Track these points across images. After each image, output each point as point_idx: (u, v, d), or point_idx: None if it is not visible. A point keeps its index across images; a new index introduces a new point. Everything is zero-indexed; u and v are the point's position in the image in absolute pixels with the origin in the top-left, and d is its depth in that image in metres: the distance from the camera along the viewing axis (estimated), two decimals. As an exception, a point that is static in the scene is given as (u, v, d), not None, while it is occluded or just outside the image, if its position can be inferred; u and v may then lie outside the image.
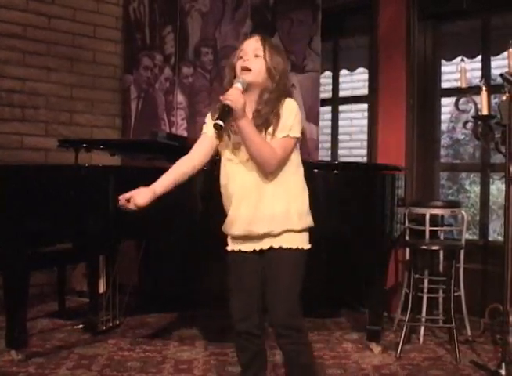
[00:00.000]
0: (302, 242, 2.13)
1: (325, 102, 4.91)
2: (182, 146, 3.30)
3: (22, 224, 3.04)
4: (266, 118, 2.06)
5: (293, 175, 2.14)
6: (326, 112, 5.21)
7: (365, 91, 4.84)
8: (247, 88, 2.09)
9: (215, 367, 3.11)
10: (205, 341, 3.54)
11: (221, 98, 2.01)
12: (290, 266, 2.11)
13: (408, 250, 3.80)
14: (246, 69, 2.10)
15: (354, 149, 6.06)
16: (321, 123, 4.69)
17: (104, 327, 3.68)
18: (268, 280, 2.14)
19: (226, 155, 2.17)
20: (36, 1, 4.57)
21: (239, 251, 2.17)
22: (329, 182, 3.24)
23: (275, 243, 2.10)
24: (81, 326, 3.74)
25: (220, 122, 1.98)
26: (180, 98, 4.85)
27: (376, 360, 3.25)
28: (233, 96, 1.99)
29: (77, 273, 4.59)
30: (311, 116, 4.44)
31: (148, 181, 3.12)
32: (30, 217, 3.04)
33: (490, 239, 4.31)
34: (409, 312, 3.47)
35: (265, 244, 2.12)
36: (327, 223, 3.18)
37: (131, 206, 2.11)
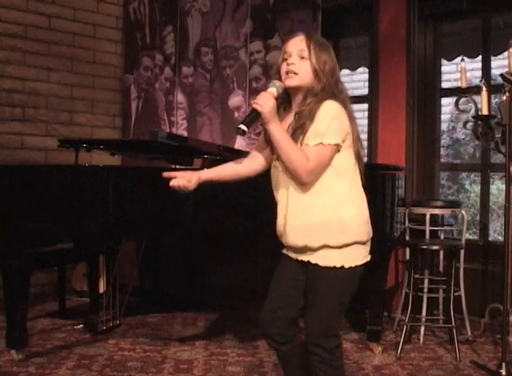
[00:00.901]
0: (343, 259, 1.95)
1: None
2: (182, 146, 3.31)
3: (22, 224, 3.04)
4: (303, 121, 1.92)
5: (335, 182, 1.96)
6: (326, 112, 5.20)
7: (365, 91, 4.84)
8: (294, 92, 2.02)
9: (215, 367, 3.11)
10: (205, 341, 3.54)
11: (251, 102, 1.94)
12: (325, 286, 1.97)
13: (408, 250, 3.80)
14: (293, 73, 1.98)
15: (354, 149, 6.05)
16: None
17: (104, 327, 3.68)
18: (306, 294, 2.05)
19: (273, 162, 2.08)
20: (36, 1, 4.57)
21: (287, 255, 2.10)
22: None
23: (313, 258, 1.97)
24: (81, 326, 3.74)
25: (243, 126, 1.91)
26: (180, 98, 4.86)
27: (377, 360, 3.25)
28: (262, 100, 1.91)
29: (77, 273, 4.60)
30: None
31: (148, 181, 3.14)
32: (31, 217, 3.04)
33: (490, 239, 4.31)
34: (409, 312, 3.47)
35: (304, 257, 2.01)
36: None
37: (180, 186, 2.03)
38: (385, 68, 4.32)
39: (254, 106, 1.92)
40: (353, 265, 1.98)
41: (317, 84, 1.97)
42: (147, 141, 3.47)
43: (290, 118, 2.03)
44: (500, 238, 4.81)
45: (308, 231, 1.95)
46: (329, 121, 1.91)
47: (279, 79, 2.02)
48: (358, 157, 2.03)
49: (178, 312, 4.18)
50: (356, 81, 5.90)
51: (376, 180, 3.36)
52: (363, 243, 2.02)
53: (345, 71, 5.16)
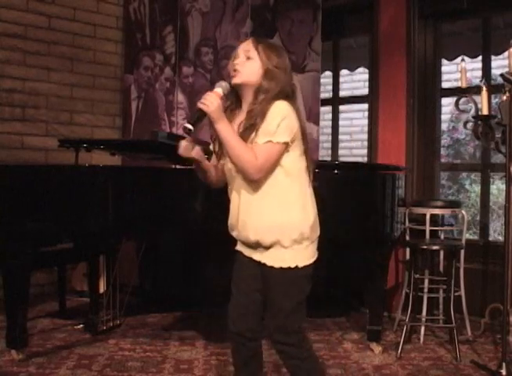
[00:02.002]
0: (295, 259, 1.99)
1: (325, 102, 4.91)
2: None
3: (22, 224, 3.04)
4: (254, 119, 1.95)
5: (285, 183, 2.00)
6: (326, 112, 5.21)
7: (365, 91, 4.84)
8: (242, 91, 2.05)
9: (216, 367, 3.11)
10: (205, 341, 3.54)
11: (197, 103, 1.97)
12: (280, 286, 2.01)
13: (408, 250, 3.80)
14: (235, 71, 2.03)
15: (354, 149, 6.06)
16: (321, 123, 4.70)
17: (104, 327, 3.68)
18: (264, 292, 2.09)
19: (226, 162, 2.10)
20: (36, 1, 4.57)
21: (242, 252, 2.13)
22: (329, 182, 3.23)
23: (266, 259, 2.01)
24: (81, 326, 3.74)
25: (188, 125, 1.94)
26: (180, 98, 4.86)
27: (377, 360, 3.25)
28: (208, 100, 1.95)
29: (77, 273, 4.59)
30: (312, 116, 4.44)
31: (148, 181, 3.14)
32: (31, 217, 3.04)
33: (490, 239, 4.32)
34: (409, 312, 3.47)
35: (258, 257, 2.04)
36: (328, 223, 3.18)
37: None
38: (385, 68, 4.32)
39: (200, 105, 1.95)
40: (306, 264, 2.02)
41: (267, 83, 2.00)
42: (147, 141, 3.47)
43: (241, 117, 2.06)
44: (500, 238, 4.81)
45: (260, 230, 2.00)
46: (279, 120, 1.94)
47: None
48: (307, 157, 2.07)
49: (178, 312, 4.18)
50: (356, 81, 5.91)
51: (376, 180, 3.36)
52: (312, 241, 2.06)
53: (345, 71, 5.16)
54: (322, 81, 4.65)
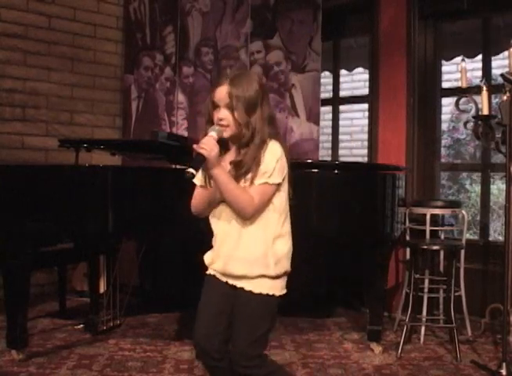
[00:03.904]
0: (275, 288, 2.07)
1: (325, 102, 4.91)
2: (182, 146, 3.31)
3: (22, 224, 3.04)
4: (247, 168, 2.00)
5: (274, 218, 2.07)
6: (326, 112, 5.21)
7: (365, 91, 4.84)
8: (227, 140, 2.06)
9: (216, 367, 3.10)
10: (205, 341, 3.54)
11: (194, 146, 1.96)
12: (255, 311, 2.07)
13: (408, 250, 3.80)
14: (224, 126, 2.03)
15: (354, 149, 6.06)
16: (321, 123, 4.69)
17: (105, 327, 3.68)
18: (234, 317, 2.11)
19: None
20: (36, 1, 4.58)
21: (215, 277, 2.15)
22: (329, 182, 3.23)
23: (248, 285, 2.06)
24: (81, 326, 3.74)
25: (192, 170, 1.94)
26: (181, 98, 4.86)
27: (377, 360, 3.25)
28: (208, 145, 1.95)
29: (77, 273, 4.60)
30: (312, 116, 4.44)
31: (148, 181, 3.14)
32: (31, 217, 3.04)
33: (491, 239, 4.32)
34: (409, 312, 3.47)
35: (237, 283, 2.09)
36: (328, 223, 3.19)
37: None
38: (385, 68, 4.32)
39: (201, 151, 1.95)
40: (278, 294, 2.09)
41: (248, 133, 2.01)
42: (147, 141, 3.47)
43: (228, 157, 2.08)
44: (501, 238, 4.81)
45: (249, 263, 2.05)
46: (275, 162, 2.01)
47: (211, 124, 2.06)
48: (290, 186, 2.12)
49: (178, 312, 4.18)
50: (356, 81, 5.90)
51: (376, 180, 3.36)
52: (287, 274, 2.12)
53: (345, 71, 5.16)
54: (322, 81, 4.65)
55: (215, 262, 2.14)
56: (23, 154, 4.51)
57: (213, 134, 2.01)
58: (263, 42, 4.54)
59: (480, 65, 4.28)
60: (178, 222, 3.14)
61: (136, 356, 3.26)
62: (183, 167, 3.57)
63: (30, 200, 3.04)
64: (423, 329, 3.61)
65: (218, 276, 2.14)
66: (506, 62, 3.01)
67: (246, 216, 2.03)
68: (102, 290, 3.95)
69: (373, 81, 4.44)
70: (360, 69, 5.11)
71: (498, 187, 5.42)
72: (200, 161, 1.96)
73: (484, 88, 3.13)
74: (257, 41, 4.55)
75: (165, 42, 4.92)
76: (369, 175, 3.54)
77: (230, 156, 2.09)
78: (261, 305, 2.07)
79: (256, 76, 2.17)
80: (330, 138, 5.03)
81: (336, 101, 4.98)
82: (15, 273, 3.06)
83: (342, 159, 5.42)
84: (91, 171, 3.13)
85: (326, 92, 5.16)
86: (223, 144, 2.08)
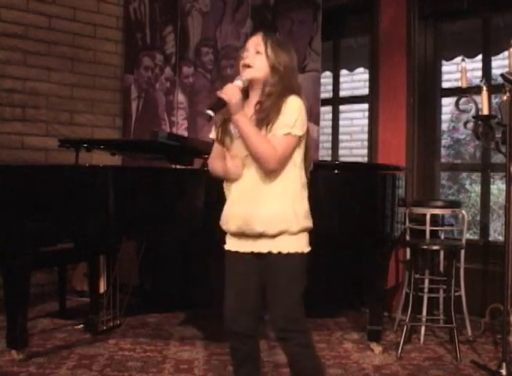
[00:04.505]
0: (301, 245, 2.07)
1: (325, 102, 4.91)
2: (182, 146, 3.31)
3: (22, 224, 3.04)
4: (267, 113, 2.02)
5: (294, 174, 2.07)
6: (326, 112, 5.21)
7: (365, 91, 4.84)
8: (251, 84, 2.09)
9: (216, 367, 3.11)
10: (206, 341, 3.54)
11: (217, 92, 2.02)
12: (288, 272, 2.05)
13: (408, 250, 3.80)
14: (246, 65, 2.08)
15: (354, 149, 6.06)
16: (321, 123, 4.69)
17: (105, 327, 3.68)
18: (267, 285, 2.10)
19: (230, 151, 2.15)
20: (36, 1, 4.57)
21: (236, 252, 2.13)
22: (329, 182, 3.23)
23: (273, 247, 2.04)
24: (81, 326, 3.74)
25: (210, 112, 1.99)
26: (181, 98, 4.86)
27: (377, 360, 3.25)
28: (229, 90, 2.00)
29: (77, 273, 4.60)
30: (312, 116, 4.43)
31: (148, 181, 3.14)
32: (31, 217, 3.04)
33: (491, 239, 4.32)
34: (409, 312, 3.47)
35: (262, 247, 2.06)
36: (328, 223, 3.19)
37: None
38: (385, 68, 4.32)
39: (222, 95, 2.00)
40: (305, 251, 2.09)
41: (274, 78, 2.06)
42: (147, 141, 3.47)
43: (247, 109, 2.09)
44: (501, 238, 4.81)
45: (272, 219, 2.03)
46: (297, 114, 2.03)
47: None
48: (308, 152, 2.14)
49: (178, 312, 4.18)
50: (356, 81, 5.90)
51: (376, 180, 3.36)
52: (309, 230, 2.12)
53: (345, 71, 5.16)
54: (322, 81, 4.65)
55: (230, 221, 2.11)
56: (23, 154, 4.50)
57: (238, 82, 2.05)
58: (263, 42, 4.53)
59: (480, 65, 4.28)
60: (178, 222, 3.14)
61: (136, 356, 3.26)
62: (183, 167, 3.59)
63: (30, 200, 3.04)
64: (423, 329, 3.61)
65: (239, 248, 2.11)
66: (506, 62, 3.01)
67: (268, 167, 2.01)
68: (102, 290, 3.95)
69: (373, 81, 4.44)
70: (361, 69, 5.11)
71: (498, 187, 5.42)
72: (220, 105, 2.00)
73: (484, 88, 3.13)
74: (258, 41, 4.55)
75: (165, 42, 4.92)
76: (369, 175, 3.54)
77: (247, 110, 2.09)
78: (291, 266, 2.06)
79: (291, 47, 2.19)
80: (330, 138, 5.03)
81: (336, 101, 4.98)
82: (15, 273, 3.06)
83: (342, 159, 5.42)
84: (92, 171, 3.13)
85: (326, 92, 5.16)
86: (248, 88, 2.10)
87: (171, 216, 3.10)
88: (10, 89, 4.45)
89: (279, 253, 2.04)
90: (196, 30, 4.82)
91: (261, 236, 2.05)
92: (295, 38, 4.48)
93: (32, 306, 3.90)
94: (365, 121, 4.65)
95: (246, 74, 2.07)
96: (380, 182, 3.35)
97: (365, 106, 4.70)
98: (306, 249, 2.09)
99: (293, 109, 2.02)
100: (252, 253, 2.10)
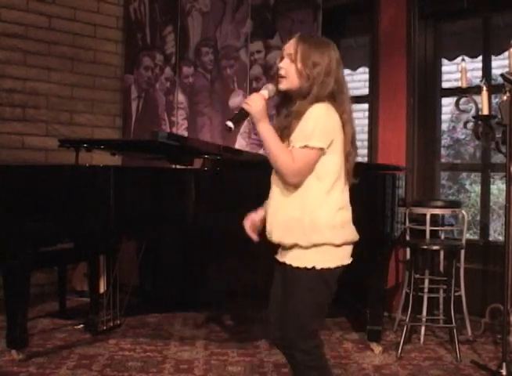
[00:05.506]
0: (314, 260, 1.96)
1: (325, 102, 4.91)
2: (182, 146, 3.31)
3: (22, 224, 3.04)
4: (290, 123, 1.97)
5: (315, 185, 1.97)
6: (326, 112, 5.20)
7: (365, 91, 4.84)
8: (291, 93, 2.04)
9: (216, 367, 3.11)
10: (205, 341, 3.54)
11: (243, 101, 2.02)
12: (298, 288, 1.99)
13: (408, 250, 3.79)
14: (281, 76, 2.03)
15: (354, 149, 6.05)
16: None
17: (105, 327, 3.68)
18: (283, 294, 2.08)
19: None
20: (37, 1, 4.57)
21: (275, 258, 2.12)
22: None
23: (287, 259, 2.01)
24: (81, 326, 3.74)
25: (229, 123, 1.98)
26: (181, 98, 4.85)
27: (377, 360, 3.25)
28: (252, 101, 1.98)
29: (77, 273, 4.60)
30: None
31: (148, 181, 3.14)
32: (31, 217, 3.04)
33: (491, 239, 4.31)
34: (409, 312, 3.47)
35: (282, 257, 2.05)
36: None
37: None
38: (385, 68, 4.32)
39: (244, 105, 1.99)
40: (325, 266, 1.97)
41: (305, 86, 1.99)
42: (147, 141, 3.47)
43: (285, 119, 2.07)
44: (501, 238, 4.81)
45: (283, 228, 2.00)
46: (314, 124, 1.93)
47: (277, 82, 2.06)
48: (348, 160, 2.04)
49: (178, 312, 4.18)
50: (357, 81, 5.90)
51: (376, 180, 3.36)
52: (336, 245, 2.00)
53: (345, 71, 5.14)
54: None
55: (267, 228, 2.09)
56: (23, 154, 4.50)
57: (263, 92, 2.03)
58: (263, 42, 4.53)
59: (480, 65, 4.28)
60: (178, 222, 3.14)
61: (136, 356, 3.26)
62: (183, 167, 3.59)
63: (30, 200, 3.04)
64: (423, 329, 3.61)
65: (276, 255, 2.10)
66: (506, 62, 3.01)
67: (287, 179, 1.96)
68: (102, 290, 3.95)
69: (373, 81, 4.44)
70: (361, 69, 5.11)
71: (498, 187, 5.42)
72: (241, 116, 2.00)
73: (484, 88, 3.13)
74: (257, 41, 4.55)
75: (165, 42, 4.92)
76: (369, 175, 3.54)
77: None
78: (301, 281, 1.98)
79: (333, 45, 2.07)
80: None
81: (336, 101, 4.97)
82: (15, 273, 3.06)
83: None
84: (92, 171, 3.13)
85: (326, 92, 5.15)
86: (286, 98, 2.07)
87: (171, 216, 3.10)
88: (10, 89, 4.45)
89: (290, 266, 2.00)
90: (196, 30, 4.82)
91: (282, 246, 2.04)
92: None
93: (32, 306, 3.90)
94: (365, 121, 4.65)
95: (281, 86, 2.02)
96: (380, 182, 3.34)
97: (366, 106, 4.70)
98: (326, 264, 1.97)
99: (311, 118, 1.93)
100: (281, 262, 2.07)
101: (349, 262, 2.06)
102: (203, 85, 4.77)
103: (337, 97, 2.00)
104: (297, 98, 2.02)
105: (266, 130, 1.97)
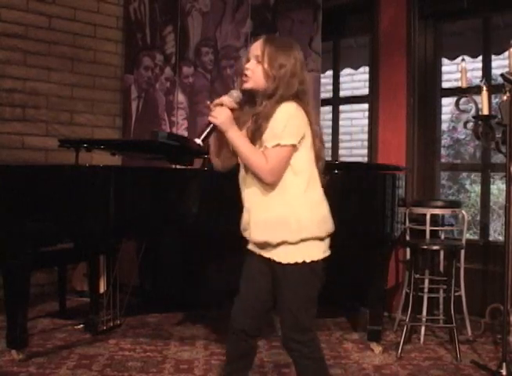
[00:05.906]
0: (302, 255, 2.01)
1: (325, 102, 4.91)
2: (182, 146, 3.31)
3: (22, 224, 3.04)
4: (260, 124, 1.99)
5: (293, 181, 2.02)
6: (326, 112, 5.21)
7: (365, 91, 4.84)
8: (256, 94, 2.07)
9: (216, 367, 3.10)
10: (206, 341, 3.54)
11: (208, 116, 2.03)
12: (290, 283, 2.03)
13: (408, 250, 3.79)
14: (245, 76, 2.06)
15: (354, 149, 6.06)
16: (321, 123, 4.68)
17: (105, 327, 3.68)
18: (274, 291, 2.11)
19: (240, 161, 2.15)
20: (36, 1, 4.57)
21: (252, 250, 2.14)
22: (329, 182, 3.22)
23: (274, 256, 2.03)
24: (81, 325, 3.74)
25: (198, 140, 2.01)
26: (181, 98, 4.86)
27: (377, 360, 3.25)
28: (217, 113, 2.00)
29: (77, 273, 4.60)
30: (312, 116, 4.43)
31: (148, 181, 3.14)
32: (31, 217, 3.04)
33: (491, 239, 4.31)
34: (409, 312, 3.47)
35: (266, 253, 2.07)
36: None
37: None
38: (385, 68, 4.32)
39: (210, 119, 2.01)
40: (314, 259, 2.03)
41: (271, 87, 2.02)
42: (147, 141, 3.47)
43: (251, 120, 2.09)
44: (501, 238, 4.81)
45: (268, 227, 2.02)
46: (285, 122, 1.97)
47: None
48: (318, 157, 2.09)
49: (178, 312, 4.18)
50: (357, 81, 5.91)
51: (376, 180, 3.36)
52: (321, 239, 2.06)
53: (346, 71, 5.16)
54: (322, 81, 4.65)
55: (245, 229, 2.12)
56: (23, 154, 4.50)
57: (224, 98, 2.04)
58: (263, 42, 4.53)
59: (480, 65, 4.28)
60: (178, 221, 3.14)
61: (136, 356, 3.26)
62: (183, 167, 3.59)
63: (30, 200, 3.04)
64: (423, 329, 3.61)
65: (254, 249, 2.12)
66: (506, 62, 3.01)
67: (264, 180, 1.99)
68: (102, 290, 3.95)
69: (373, 81, 4.44)
70: (361, 69, 5.11)
71: (498, 187, 5.42)
72: (209, 130, 2.01)
73: (484, 88, 3.13)
74: (257, 41, 4.55)
75: (165, 42, 4.92)
76: (369, 175, 3.54)
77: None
78: (292, 275, 2.02)
79: (297, 46, 2.12)
80: (330, 138, 5.03)
81: (336, 101, 4.98)
82: (15, 273, 3.06)
83: (342, 159, 5.42)
84: (92, 171, 3.13)
85: (326, 92, 5.16)
86: (250, 99, 2.09)
87: (171, 216, 3.10)
88: (10, 89, 4.45)
89: (280, 263, 2.03)
90: (196, 30, 4.82)
91: (266, 245, 2.05)
92: (295, 38, 4.47)
93: (32, 306, 3.90)
94: (366, 121, 4.66)
95: (246, 85, 2.06)
96: (380, 182, 3.35)
97: (366, 106, 4.70)
98: (314, 257, 2.03)
99: (282, 116, 1.97)
100: (260, 255, 2.10)
101: (329, 253, 2.11)
102: (203, 85, 4.76)
103: (301, 97, 2.05)
104: (262, 98, 2.05)
105: (235, 136, 2.00)
